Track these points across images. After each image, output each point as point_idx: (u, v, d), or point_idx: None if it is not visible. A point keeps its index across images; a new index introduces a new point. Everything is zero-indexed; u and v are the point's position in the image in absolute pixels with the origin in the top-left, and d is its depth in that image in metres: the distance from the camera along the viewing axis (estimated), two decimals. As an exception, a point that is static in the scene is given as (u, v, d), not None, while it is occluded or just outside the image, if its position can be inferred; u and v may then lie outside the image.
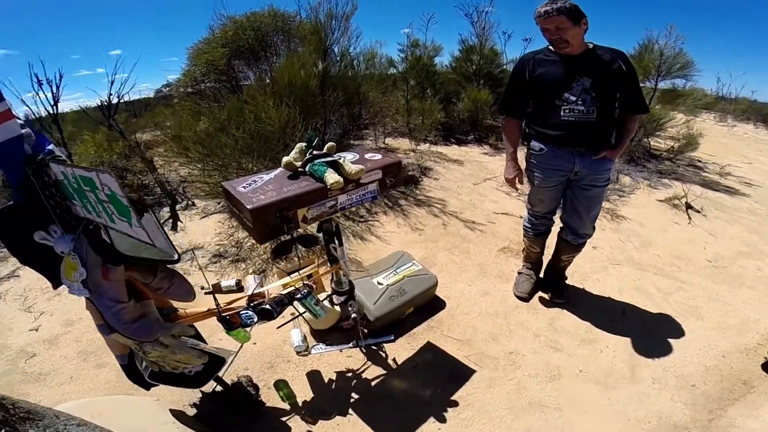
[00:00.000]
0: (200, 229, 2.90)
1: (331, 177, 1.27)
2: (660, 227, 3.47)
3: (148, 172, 3.25)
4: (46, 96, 3.38)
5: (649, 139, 5.45)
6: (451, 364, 1.94)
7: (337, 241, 1.52)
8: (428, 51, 5.37)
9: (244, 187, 1.27)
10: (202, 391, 1.67)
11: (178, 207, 3.19)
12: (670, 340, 2.15)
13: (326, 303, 1.72)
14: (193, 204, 3.20)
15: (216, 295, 1.33)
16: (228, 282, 1.43)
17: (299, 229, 1.39)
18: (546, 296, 2.38)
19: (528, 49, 6.74)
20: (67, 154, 3.33)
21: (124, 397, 1.71)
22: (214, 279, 2.38)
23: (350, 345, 1.90)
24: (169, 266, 1.17)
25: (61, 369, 1.93)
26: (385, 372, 1.87)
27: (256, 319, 1.35)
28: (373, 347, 1.96)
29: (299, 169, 1.38)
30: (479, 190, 3.86)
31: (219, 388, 1.63)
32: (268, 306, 1.33)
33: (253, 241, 2.52)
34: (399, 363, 1.92)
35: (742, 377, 1.94)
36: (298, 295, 1.44)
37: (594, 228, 2.14)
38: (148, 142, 3.64)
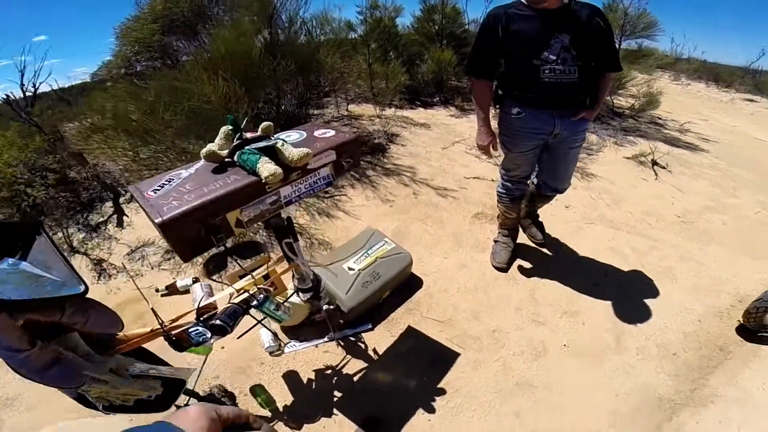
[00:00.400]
0: (149, 223, 2.53)
1: (266, 168, 0.96)
2: (629, 184, 3.46)
3: (78, 165, 2.78)
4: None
5: (612, 98, 5.43)
6: (434, 348, 1.81)
7: (291, 237, 1.28)
8: (389, 12, 4.97)
9: (154, 191, 0.93)
10: (176, 405, 1.46)
11: (122, 200, 2.79)
12: (649, 305, 2.12)
13: (294, 298, 1.50)
14: None
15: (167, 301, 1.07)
16: (184, 281, 1.23)
17: (237, 236, 1.11)
18: (533, 241, 2.37)
19: (490, 6, 6.50)
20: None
21: (95, 421, 1.48)
22: (168, 279, 2.10)
23: (325, 339, 1.71)
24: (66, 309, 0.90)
25: (26, 393, 1.66)
26: (366, 364, 1.71)
27: (209, 335, 1.12)
28: (351, 338, 1.79)
29: (226, 160, 1.05)
30: (449, 155, 3.67)
31: (193, 401, 1.41)
32: (218, 322, 1.09)
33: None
34: (380, 353, 1.76)
35: (719, 343, 1.94)
36: (254, 302, 1.21)
37: (569, 184, 2.09)
38: (84, 131, 3.11)
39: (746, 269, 2.47)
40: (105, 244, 2.43)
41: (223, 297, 1.19)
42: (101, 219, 2.61)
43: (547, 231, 2.61)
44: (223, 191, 0.93)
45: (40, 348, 0.78)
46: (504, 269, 2.25)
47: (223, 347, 1.76)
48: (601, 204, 3.07)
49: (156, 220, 0.84)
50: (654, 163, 3.80)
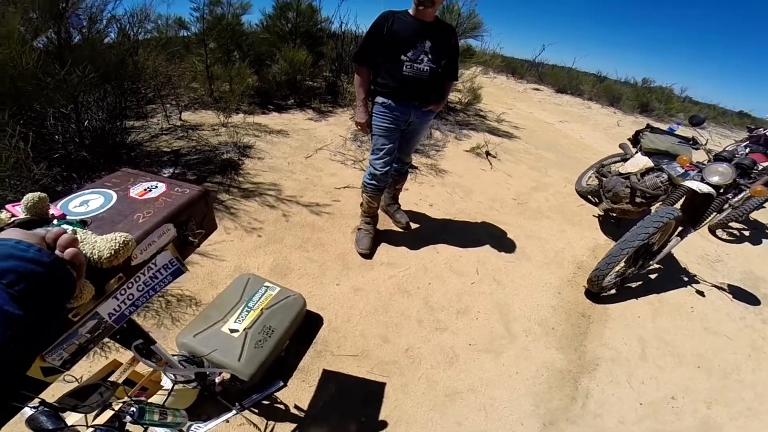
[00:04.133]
0: None
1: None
2: (474, 175, 3.90)
3: None
4: None
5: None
6: (359, 386, 1.68)
7: (141, 338, 0.90)
8: (234, 9, 4.34)
9: None
10: None
11: None
12: (519, 288, 2.42)
13: (176, 387, 1.12)
14: None
15: None
16: None
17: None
18: (399, 228, 2.74)
19: (342, 5, 6.42)
20: None
21: None
22: None
23: (234, 412, 1.36)
24: None
25: None
26: (295, 424, 1.48)
27: None
28: (265, 401, 1.48)
29: None
30: (314, 164, 3.47)
31: None
32: None
33: None
34: (305, 408, 1.53)
35: (579, 309, 2.34)
36: (128, 419, 0.83)
37: (412, 158, 2.59)
38: None
39: (573, 237, 3.07)
40: None
41: (82, 419, 0.78)
42: None
43: (421, 232, 2.74)
44: None
45: None
46: (368, 255, 2.43)
47: None
48: (456, 198, 3.36)
49: None
50: (487, 153, 4.39)
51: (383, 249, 2.51)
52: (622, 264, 2.45)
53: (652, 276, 2.85)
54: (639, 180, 2.91)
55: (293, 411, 1.53)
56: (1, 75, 1.74)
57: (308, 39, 5.03)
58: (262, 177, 3.07)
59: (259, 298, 1.65)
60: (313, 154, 3.64)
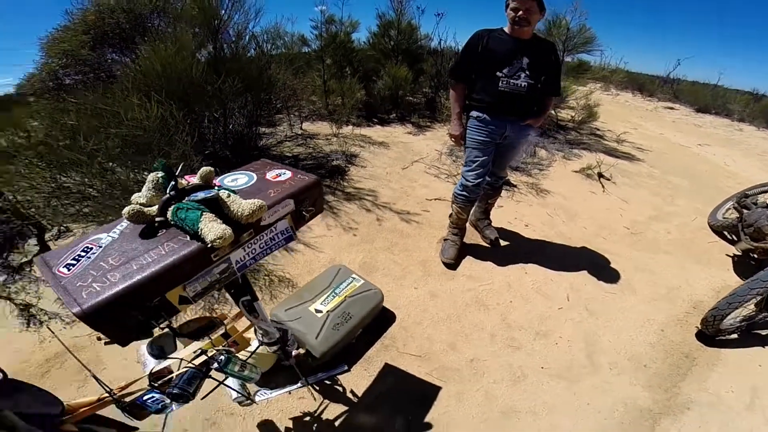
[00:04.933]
0: None
1: (212, 229, 0.76)
2: (581, 198, 3.62)
3: None
4: None
5: (556, 112, 5.73)
6: (414, 384, 1.72)
7: (249, 295, 1.13)
8: (345, 27, 4.89)
9: (68, 267, 0.72)
10: None
11: (47, 236, 2.43)
12: (614, 321, 2.19)
13: (259, 349, 1.35)
14: (67, 229, 2.47)
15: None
16: None
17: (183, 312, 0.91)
18: (487, 243, 2.72)
19: (440, 22, 6.63)
20: None
21: None
22: None
23: (299, 385, 1.55)
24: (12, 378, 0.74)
25: None
26: (346, 408, 1.59)
27: (168, 402, 0.96)
28: (326, 382, 1.65)
29: (157, 220, 0.82)
30: (409, 175, 3.65)
31: None
32: (177, 389, 0.94)
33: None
34: (359, 395, 1.65)
35: (683, 350, 2.03)
36: (215, 365, 1.06)
37: (508, 173, 2.73)
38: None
39: (695, 276, 2.64)
40: (31, 287, 2.10)
41: (180, 357, 1.03)
42: (24, 259, 2.27)
43: (511, 250, 2.66)
44: (156, 268, 0.73)
45: None
46: (452, 265, 2.45)
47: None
48: (557, 221, 3.17)
49: (74, 310, 0.64)
50: (600, 175, 4.02)
51: (467, 262, 2.52)
52: (752, 307, 2.04)
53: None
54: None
55: (348, 395, 1.65)
56: (177, 82, 2.27)
57: (409, 56, 5.29)
58: (363, 183, 3.34)
59: (345, 287, 1.84)
60: (409, 165, 3.82)
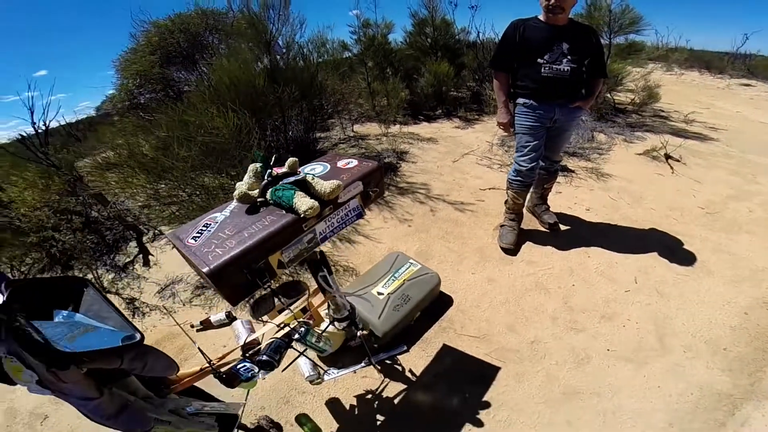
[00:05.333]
0: (175, 261, 2.53)
1: (304, 202, 0.96)
2: (646, 180, 3.41)
3: (99, 205, 2.79)
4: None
5: (612, 95, 5.42)
6: (472, 365, 1.76)
7: (325, 270, 1.26)
8: (381, 29, 5.03)
9: (194, 238, 0.93)
10: None
11: (145, 239, 2.79)
12: (689, 303, 2.05)
13: (330, 328, 1.48)
14: (161, 232, 2.81)
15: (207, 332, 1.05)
16: (218, 316, 1.25)
17: (279, 276, 1.10)
18: (546, 228, 2.67)
19: (476, 15, 6.58)
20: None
21: None
22: (201, 314, 2.09)
23: (363, 364, 1.66)
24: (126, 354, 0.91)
25: (79, 428, 1.66)
26: (406, 386, 1.67)
27: (257, 370, 1.10)
28: (387, 361, 1.75)
29: (258, 200, 1.05)
30: (460, 168, 3.66)
31: None
32: (265, 357, 1.08)
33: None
34: (418, 374, 1.72)
35: None
36: (296, 336, 1.19)
37: (562, 157, 2.74)
38: (99, 166, 3.11)
39: None
40: (135, 284, 2.44)
41: (266, 331, 1.18)
42: (128, 259, 2.62)
43: (572, 235, 2.59)
44: (262, 235, 0.92)
45: (109, 395, 0.79)
46: (511, 250, 2.45)
47: (264, 378, 1.72)
48: (622, 204, 3.02)
49: (204, 270, 0.83)
50: (667, 156, 3.75)
51: (526, 247, 2.50)
52: None
53: None
54: None
55: (407, 374, 1.72)
56: (245, 93, 2.51)
57: (448, 51, 5.30)
58: (415, 178, 3.42)
59: (404, 271, 1.92)
60: (459, 158, 3.84)
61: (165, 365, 0.92)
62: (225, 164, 2.21)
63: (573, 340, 1.86)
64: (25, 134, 3.05)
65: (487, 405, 1.60)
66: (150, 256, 2.63)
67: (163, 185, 2.32)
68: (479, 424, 1.53)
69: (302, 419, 1.56)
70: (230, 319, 1.25)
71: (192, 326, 1.27)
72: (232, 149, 2.19)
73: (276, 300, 1.14)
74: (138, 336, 0.81)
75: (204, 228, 0.96)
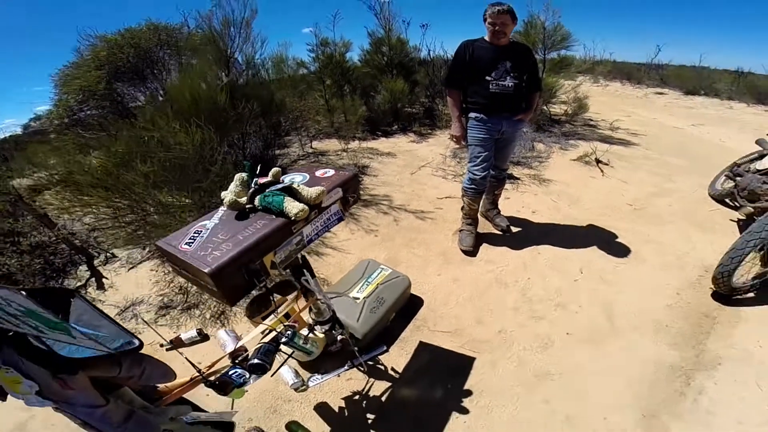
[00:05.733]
0: (132, 282, 2.44)
1: (294, 206, 1.05)
2: (582, 183, 3.80)
3: (44, 227, 2.63)
4: None
5: (548, 107, 5.96)
6: (449, 358, 1.89)
7: (308, 273, 1.34)
8: (339, 48, 5.21)
9: (188, 244, 0.99)
10: None
11: (96, 262, 2.66)
12: (629, 288, 2.34)
13: (313, 333, 1.54)
14: (113, 255, 2.69)
15: (186, 355, 1.08)
16: (189, 334, 1.23)
17: (272, 277, 1.16)
18: (499, 231, 2.90)
19: (426, 33, 6.96)
20: None
21: None
22: (170, 334, 2.03)
23: (346, 367, 1.73)
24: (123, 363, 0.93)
25: None
26: (390, 384, 1.76)
27: (248, 376, 1.14)
28: (370, 362, 1.82)
29: (247, 207, 1.12)
30: (418, 179, 3.86)
31: None
32: (257, 360, 1.13)
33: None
34: (400, 371, 1.82)
35: (702, 310, 2.16)
36: (283, 339, 1.25)
37: (509, 165, 2.85)
38: (33, 188, 2.93)
39: (700, 242, 2.79)
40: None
41: (252, 337, 1.22)
42: (79, 283, 2.48)
43: (523, 235, 2.84)
44: (256, 237, 1.00)
45: (114, 402, 0.81)
46: (471, 252, 2.66)
47: (247, 390, 1.73)
48: (562, 205, 3.35)
49: (205, 270, 0.88)
50: (598, 161, 4.21)
51: (483, 249, 2.70)
52: (758, 264, 2.18)
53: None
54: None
55: (390, 372, 1.82)
56: (205, 109, 2.53)
57: (402, 69, 5.58)
58: (377, 190, 3.56)
59: (376, 276, 2.03)
60: (417, 170, 4.04)
61: (162, 372, 0.95)
62: (187, 179, 2.20)
63: (535, 328, 2.05)
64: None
65: (468, 393, 1.72)
66: (104, 279, 2.52)
67: (121, 203, 2.25)
68: (464, 411, 1.64)
69: (293, 426, 1.58)
70: (201, 336, 1.24)
71: (161, 345, 1.25)
72: (195, 164, 2.19)
73: (271, 298, 1.20)
74: (137, 342, 0.84)
75: (196, 234, 1.01)
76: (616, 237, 2.85)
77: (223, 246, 0.95)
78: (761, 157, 3.01)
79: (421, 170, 4.06)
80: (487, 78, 2.28)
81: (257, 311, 1.20)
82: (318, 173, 1.33)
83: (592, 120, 6.40)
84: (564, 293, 2.28)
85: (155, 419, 0.93)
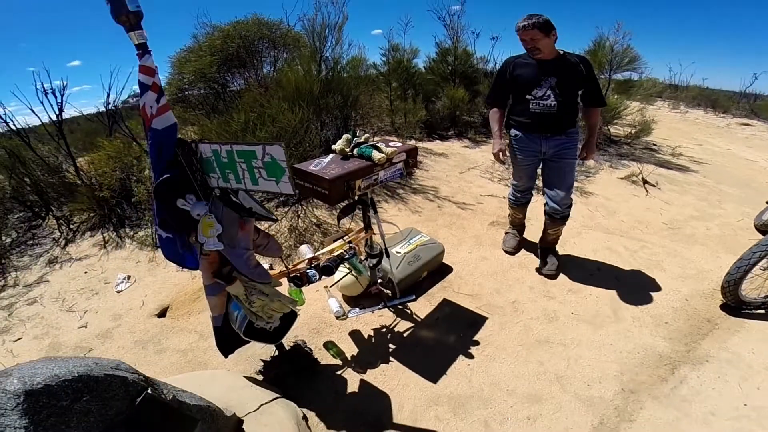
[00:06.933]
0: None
1: (377, 155, 1.62)
2: (622, 199, 3.98)
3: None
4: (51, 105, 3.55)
5: (609, 127, 6.04)
6: (466, 314, 2.30)
7: (372, 210, 1.86)
8: (407, 54, 5.76)
9: (314, 167, 1.59)
10: (263, 360, 1.94)
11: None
12: (641, 289, 2.58)
13: (363, 267, 2.07)
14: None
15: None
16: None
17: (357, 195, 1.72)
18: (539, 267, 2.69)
19: (496, 46, 7.28)
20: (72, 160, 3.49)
21: (200, 373, 1.87)
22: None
23: (380, 306, 2.24)
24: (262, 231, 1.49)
25: (123, 359, 2.10)
26: (413, 325, 2.21)
27: (318, 276, 1.69)
28: (399, 306, 2.31)
29: (348, 154, 1.70)
30: (465, 178, 4.28)
31: (276, 353, 1.88)
32: (327, 263, 1.68)
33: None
34: (422, 318, 2.27)
35: (706, 316, 2.35)
36: (347, 256, 1.79)
37: (570, 199, 2.47)
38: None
39: (727, 264, 2.85)
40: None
41: (323, 253, 1.79)
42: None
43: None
44: (353, 167, 1.58)
45: (253, 251, 1.36)
46: (512, 252, 2.85)
47: (305, 299, 2.15)
48: (597, 215, 3.59)
49: (327, 177, 1.48)
50: (644, 181, 4.34)
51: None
52: None
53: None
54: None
55: (415, 317, 2.27)
56: (303, 95, 3.19)
57: (465, 79, 5.98)
58: (426, 182, 4.04)
59: (416, 239, 2.53)
60: (466, 171, 4.46)
61: (278, 247, 1.51)
62: (289, 144, 2.90)
63: (545, 304, 2.40)
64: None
65: (477, 343, 2.11)
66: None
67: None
68: (470, 356, 2.03)
69: (329, 345, 2.07)
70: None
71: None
72: (291, 135, 2.86)
73: (355, 208, 1.78)
74: (275, 218, 1.39)
75: (318, 164, 1.63)
76: (643, 248, 3.07)
77: (335, 170, 1.55)
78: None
79: (469, 171, 4.47)
80: (527, 97, 2.23)
81: (343, 215, 1.79)
82: (391, 143, 1.85)
83: (655, 144, 6.35)
84: (578, 283, 2.59)
85: (269, 274, 1.47)
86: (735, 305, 2.35)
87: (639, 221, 3.51)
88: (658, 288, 2.60)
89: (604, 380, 1.91)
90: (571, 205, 2.50)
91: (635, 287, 2.60)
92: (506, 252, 2.86)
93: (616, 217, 3.56)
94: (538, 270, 2.67)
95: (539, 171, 2.55)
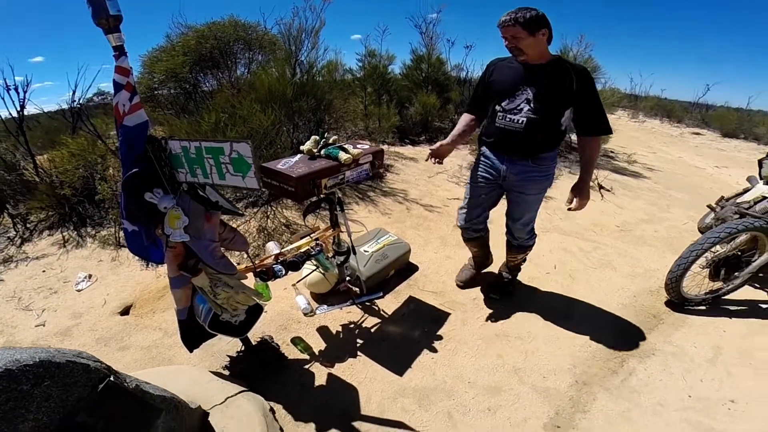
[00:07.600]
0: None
1: (345, 155, 1.68)
2: (581, 204, 4.22)
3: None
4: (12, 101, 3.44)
5: (570, 136, 6.36)
6: (430, 311, 2.40)
7: (339, 208, 1.93)
8: (383, 60, 5.89)
9: (281, 166, 1.64)
10: (229, 355, 1.97)
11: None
12: (592, 286, 2.76)
13: (330, 265, 2.12)
14: None
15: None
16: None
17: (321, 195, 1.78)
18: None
19: (469, 54, 7.50)
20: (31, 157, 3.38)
21: (164, 368, 1.88)
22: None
23: (348, 303, 2.30)
24: (228, 225, 1.54)
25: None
26: (380, 321, 2.29)
27: (284, 271, 1.74)
28: (367, 303, 2.38)
29: (316, 154, 1.77)
30: (434, 182, 4.42)
31: (243, 348, 1.91)
32: (295, 259, 1.73)
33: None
34: (389, 314, 2.35)
35: (652, 311, 2.53)
36: (313, 252, 1.85)
37: (528, 235, 2.24)
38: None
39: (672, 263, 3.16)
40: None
41: (291, 249, 1.83)
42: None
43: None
44: (320, 167, 1.64)
45: (219, 243, 1.40)
46: (461, 286, 2.60)
47: (266, 311, 2.21)
48: (555, 218, 3.81)
49: (294, 176, 1.53)
50: (600, 186, 4.62)
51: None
52: (707, 279, 2.51)
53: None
54: (750, 207, 2.88)
55: (382, 313, 2.35)
56: (276, 97, 3.22)
57: (438, 86, 6.18)
58: (396, 185, 4.15)
59: (384, 239, 2.61)
60: (434, 175, 4.61)
61: (244, 241, 1.56)
62: (260, 144, 2.94)
63: (504, 300, 2.53)
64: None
65: (440, 338, 2.21)
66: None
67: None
68: (434, 350, 2.12)
69: (296, 340, 2.12)
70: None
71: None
72: (262, 137, 2.90)
73: (319, 206, 1.87)
74: (240, 212, 1.45)
75: (285, 162, 1.69)
76: (596, 248, 3.29)
77: (302, 169, 1.61)
78: (745, 192, 3.34)
79: (437, 175, 4.62)
80: (497, 108, 1.84)
81: (309, 212, 1.88)
82: (358, 145, 1.90)
83: (612, 151, 6.74)
84: (534, 281, 2.75)
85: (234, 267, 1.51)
86: (678, 302, 2.52)
87: (594, 224, 3.75)
88: (608, 286, 2.79)
89: (558, 372, 2.01)
90: (531, 238, 2.27)
91: (587, 285, 2.78)
92: (457, 284, 2.60)
93: (572, 220, 3.78)
94: (487, 293, 2.56)
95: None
